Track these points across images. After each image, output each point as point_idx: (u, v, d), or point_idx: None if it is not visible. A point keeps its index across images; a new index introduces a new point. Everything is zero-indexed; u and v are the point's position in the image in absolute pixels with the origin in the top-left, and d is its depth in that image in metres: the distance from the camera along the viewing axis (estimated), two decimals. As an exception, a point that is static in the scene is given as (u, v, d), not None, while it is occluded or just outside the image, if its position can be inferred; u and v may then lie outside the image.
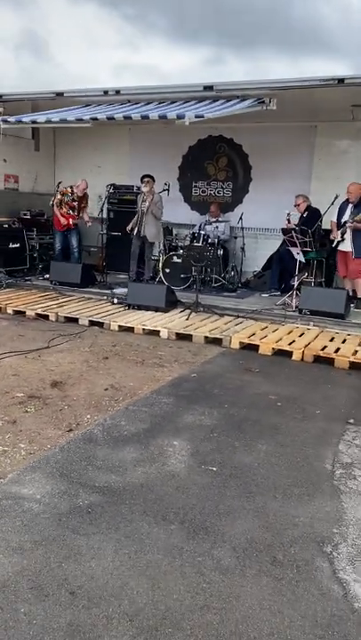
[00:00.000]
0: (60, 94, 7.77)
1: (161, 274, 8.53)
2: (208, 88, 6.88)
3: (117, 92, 7.39)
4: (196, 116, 5.62)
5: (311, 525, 2.66)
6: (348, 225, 7.13)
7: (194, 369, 5.15)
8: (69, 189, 8.63)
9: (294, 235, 6.99)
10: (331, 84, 6.35)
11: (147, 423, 3.75)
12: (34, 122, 7.05)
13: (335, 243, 7.39)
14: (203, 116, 5.67)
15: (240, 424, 3.87)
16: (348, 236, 7.22)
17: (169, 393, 4.41)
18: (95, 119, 6.36)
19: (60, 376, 4.65)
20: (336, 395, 4.66)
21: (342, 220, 7.28)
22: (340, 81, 6.26)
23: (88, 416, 3.81)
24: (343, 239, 7.28)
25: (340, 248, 7.41)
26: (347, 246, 7.29)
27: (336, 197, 7.19)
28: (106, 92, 7.44)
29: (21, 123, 7.05)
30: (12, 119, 7.05)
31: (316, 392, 4.68)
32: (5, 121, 7.01)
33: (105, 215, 9.05)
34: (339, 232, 7.28)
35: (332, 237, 7.42)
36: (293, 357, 5.66)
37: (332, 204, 7.25)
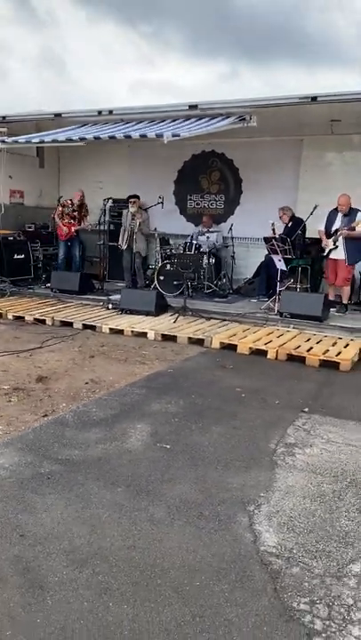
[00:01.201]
0: (58, 115, 8.35)
1: (156, 281, 8.99)
2: (193, 107, 7.38)
3: (110, 112, 7.93)
4: (173, 135, 6.10)
5: (242, 490, 3.05)
6: (343, 233, 7.39)
7: (172, 365, 5.57)
8: (69, 201, 9.19)
9: (275, 243, 7.39)
10: (305, 102, 6.78)
11: (116, 410, 4.18)
12: (28, 142, 7.62)
13: (327, 251, 7.68)
14: (179, 135, 6.15)
15: (202, 411, 4.27)
16: (340, 243, 7.52)
17: (143, 386, 4.83)
18: (84, 139, 6.90)
19: (47, 372, 5.11)
20: (299, 388, 5.03)
21: (333, 229, 7.58)
22: (314, 99, 6.69)
23: (64, 404, 4.26)
24: (336, 246, 7.58)
25: (332, 256, 7.68)
26: (339, 254, 7.58)
27: (315, 207, 7.57)
28: (100, 112, 7.99)
29: (17, 143, 7.63)
30: (8, 139, 7.64)
31: (281, 386, 5.06)
32: (3, 141, 7.60)
33: (105, 227, 9.58)
34: (331, 240, 7.59)
35: (323, 245, 7.71)
36: (268, 356, 6.04)
37: (311, 214, 7.63)
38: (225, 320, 7.46)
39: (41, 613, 2.05)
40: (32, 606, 2.08)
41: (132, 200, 8.70)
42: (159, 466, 3.29)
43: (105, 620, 2.03)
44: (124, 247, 8.76)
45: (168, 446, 3.58)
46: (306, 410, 4.41)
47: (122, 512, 2.76)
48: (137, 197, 8.74)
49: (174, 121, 7.53)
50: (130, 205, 8.69)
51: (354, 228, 7.24)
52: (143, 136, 6.52)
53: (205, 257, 8.89)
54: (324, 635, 2.00)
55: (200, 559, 2.42)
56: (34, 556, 2.37)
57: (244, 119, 7.18)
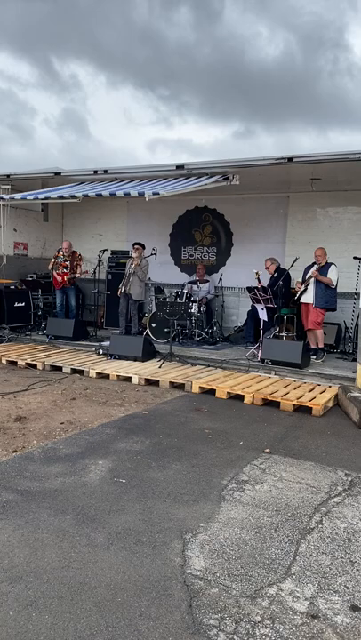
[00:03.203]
0: (57, 174, 9.00)
1: (148, 328, 9.34)
2: (180, 167, 7.94)
3: (105, 171, 8.54)
4: (154, 193, 6.59)
5: (183, 521, 3.25)
6: (311, 273, 7.75)
7: (148, 408, 5.81)
8: (60, 252, 9.69)
9: (257, 292, 7.73)
10: (282, 163, 7.28)
11: (82, 448, 4.42)
12: (24, 198, 8.20)
13: (298, 294, 8.02)
14: (158, 193, 6.64)
15: (165, 450, 4.49)
16: (311, 287, 7.86)
17: (115, 426, 5.08)
18: (74, 197, 7.45)
19: (26, 412, 5.38)
20: (267, 430, 5.23)
21: (306, 277, 7.97)
22: (290, 160, 7.19)
23: (35, 442, 4.51)
24: (306, 289, 7.92)
25: (302, 300, 8.04)
26: (308, 298, 7.93)
27: (295, 260, 7.97)
28: (95, 172, 8.60)
29: (14, 200, 8.23)
30: (6, 197, 8.25)
31: (249, 428, 5.26)
32: (2, 198, 8.21)
33: (101, 276, 10.05)
34: (303, 284, 7.94)
35: (296, 288, 8.09)
36: (245, 400, 6.26)
37: (292, 265, 8.01)
38: (210, 366, 7.72)
39: (-32, 620, 2.26)
40: None
41: (135, 246, 9.19)
42: (110, 498, 3.50)
43: (25, 628, 2.23)
44: (121, 291, 9.14)
45: (124, 481, 3.79)
46: (267, 450, 4.61)
47: (65, 537, 2.98)
48: (141, 245, 9.22)
49: (163, 179, 8.08)
50: (133, 251, 9.17)
51: (326, 275, 7.62)
52: (127, 194, 7.04)
53: (196, 305, 9.25)
54: (223, 646, 2.18)
55: (127, 579, 2.61)
56: (-26, 573, 2.59)
57: (227, 178, 7.68)
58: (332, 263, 7.78)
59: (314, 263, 8.00)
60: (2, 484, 3.61)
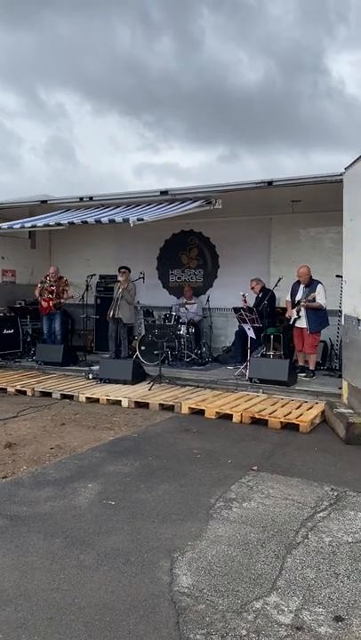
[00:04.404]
0: (44, 202, 9.16)
1: (137, 351, 9.42)
2: (164, 193, 8.13)
3: (91, 198, 8.71)
4: (138, 219, 6.75)
5: (172, 540, 3.30)
6: (301, 304, 7.93)
7: (138, 430, 5.86)
8: (47, 278, 9.79)
9: (242, 312, 7.87)
10: (262, 187, 7.49)
11: (72, 472, 4.46)
12: (10, 227, 8.34)
13: (292, 320, 8.17)
14: (143, 219, 6.80)
15: (154, 471, 4.54)
16: (302, 313, 8.02)
17: (104, 450, 5.12)
18: (60, 224, 7.60)
19: (16, 439, 5.42)
20: (255, 448, 5.30)
21: (296, 299, 8.12)
22: (270, 183, 7.40)
23: (24, 467, 4.55)
24: (299, 316, 8.07)
25: (296, 325, 8.17)
26: (302, 323, 8.06)
27: (279, 280, 8.15)
28: (81, 199, 8.77)
29: (1, 229, 8.37)
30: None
31: (237, 446, 5.33)
32: (-13, 227, 8.37)
33: (89, 301, 10.16)
34: (294, 310, 8.09)
35: (287, 316, 8.23)
36: (234, 419, 6.32)
37: (276, 285, 8.19)
38: (199, 387, 7.80)
39: None
40: None
41: (122, 270, 9.33)
42: (99, 520, 3.55)
43: (14, 649, 2.27)
44: (110, 315, 9.24)
45: (113, 503, 3.84)
46: (255, 468, 4.67)
47: (54, 559, 3.02)
48: (127, 269, 9.36)
49: (148, 205, 8.26)
50: (119, 275, 9.31)
51: (314, 299, 7.74)
52: (112, 221, 7.20)
53: (184, 327, 9.36)
54: (209, 660, 2.23)
55: (115, 598, 2.66)
56: (-37, 597, 2.63)
57: (210, 202, 7.88)
58: (318, 282, 7.91)
59: (299, 281, 8.14)
60: (-9, 509, 3.65)
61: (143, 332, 9.66)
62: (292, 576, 2.91)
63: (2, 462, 4.69)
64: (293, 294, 8.21)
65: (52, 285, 9.69)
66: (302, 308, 7.92)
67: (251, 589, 2.77)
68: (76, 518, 3.56)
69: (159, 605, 2.61)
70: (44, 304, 9.76)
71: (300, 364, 8.19)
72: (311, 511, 3.78)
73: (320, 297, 7.84)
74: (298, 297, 8.10)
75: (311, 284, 7.93)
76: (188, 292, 10.23)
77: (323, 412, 6.47)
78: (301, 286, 8.10)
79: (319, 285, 7.87)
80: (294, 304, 8.12)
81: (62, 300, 9.73)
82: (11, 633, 2.37)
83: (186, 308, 9.82)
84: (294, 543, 3.30)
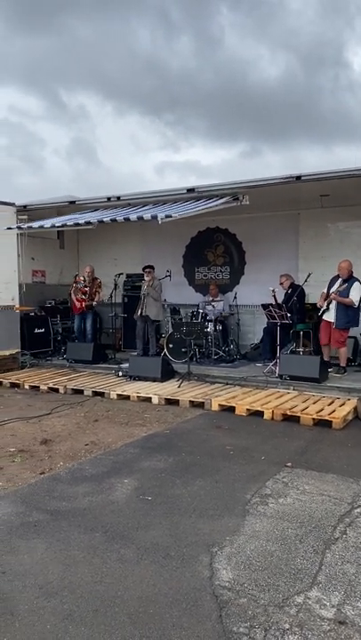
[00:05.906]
0: (72, 202, 9.26)
1: (165, 348, 9.46)
2: (191, 190, 8.14)
3: (118, 197, 8.78)
4: (166, 216, 6.78)
5: (210, 535, 3.32)
6: (332, 296, 7.82)
7: (170, 427, 5.91)
8: (81, 278, 9.91)
9: (271, 309, 7.83)
10: (291, 181, 7.44)
11: (107, 467, 4.53)
12: (41, 227, 8.46)
13: (321, 311, 8.07)
14: (171, 216, 6.83)
15: (188, 467, 4.57)
16: (332, 306, 7.91)
17: (138, 445, 5.18)
18: (89, 223, 7.68)
19: (51, 435, 5.52)
20: (288, 445, 5.28)
21: (329, 293, 7.99)
22: (298, 178, 7.35)
23: (61, 463, 4.63)
24: (328, 309, 7.96)
25: (324, 317, 8.08)
26: (330, 317, 7.97)
27: (309, 275, 8.06)
28: (109, 199, 8.85)
29: (32, 228, 8.50)
30: (24, 226, 8.53)
31: (270, 443, 5.32)
32: (20, 227, 8.49)
33: (116, 300, 10.24)
34: (325, 302, 7.99)
35: (318, 305, 8.13)
36: (265, 416, 6.31)
37: (306, 280, 8.11)
38: (228, 384, 7.80)
39: (8, 634, 2.36)
40: (1, 628, 2.39)
41: (146, 270, 9.40)
42: (137, 515, 3.60)
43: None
44: (138, 314, 9.31)
45: (149, 498, 3.88)
46: (289, 464, 4.66)
47: (95, 553, 3.08)
48: (151, 267, 9.43)
49: (175, 203, 8.28)
50: (145, 274, 9.38)
51: (347, 295, 7.62)
52: (140, 218, 7.25)
53: (211, 324, 9.36)
54: (254, 652, 2.25)
55: (157, 591, 2.70)
56: (10, 589, 2.70)
57: (237, 199, 7.86)
58: (356, 279, 7.75)
59: (338, 275, 7.98)
60: (32, 504, 3.73)
61: (170, 330, 9.70)
62: (332, 571, 2.91)
63: (39, 458, 4.78)
64: (330, 287, 8.05)
65: (85, 286, 9.80)
66: (333, 301, 7.80)
67: (291, 584, 2.78)
68: (115, 513, 3.62)
69: (201, 599, 2.64)
70: (77, 304, 9.88)
71: (326, 359, 8.09)
72: (348, 507, 3.76)
73: (354, 293, 7.68)
74: (333, 290, 7.95)
75: (350, 280, 7.79)
76: (214, 290, 10.22)
77: (355, 409, 6.40)
78: (339, 280, 7.95)
79: (356, 282, 7.71)
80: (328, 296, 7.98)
81: (94, 303, 9.84)
82: (58, 624, 2.43)
83: (213, 306, 9.82)
84: (333, 539, 3.29)
